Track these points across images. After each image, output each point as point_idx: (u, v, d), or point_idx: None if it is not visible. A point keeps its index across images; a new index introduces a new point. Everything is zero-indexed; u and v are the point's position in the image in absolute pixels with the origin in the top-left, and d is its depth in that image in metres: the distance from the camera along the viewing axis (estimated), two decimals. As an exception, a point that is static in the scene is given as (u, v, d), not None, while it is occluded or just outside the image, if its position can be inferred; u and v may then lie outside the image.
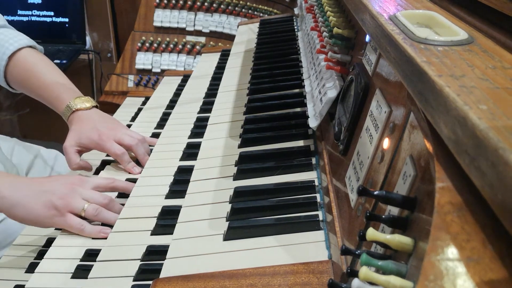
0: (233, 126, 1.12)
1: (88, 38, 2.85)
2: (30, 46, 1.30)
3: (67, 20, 2.81)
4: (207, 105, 1.34)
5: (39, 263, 0.88)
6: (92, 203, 0.96)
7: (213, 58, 1.77)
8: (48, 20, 2.81)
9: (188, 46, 2.46)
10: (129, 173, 1.14)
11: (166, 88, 1.66)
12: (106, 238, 0.89)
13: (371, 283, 0.40)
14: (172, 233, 0.79)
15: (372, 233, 0.44)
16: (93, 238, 0.93)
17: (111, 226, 0.93)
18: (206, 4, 2.42)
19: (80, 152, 1.17)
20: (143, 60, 2.51)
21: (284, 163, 0.91)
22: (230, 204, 0.82)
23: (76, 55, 2.75)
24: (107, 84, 2.55)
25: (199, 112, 1.33)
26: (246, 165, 0.93)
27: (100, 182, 1.02)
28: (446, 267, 0.32)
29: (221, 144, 1.05)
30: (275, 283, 0.64)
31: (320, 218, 0.76)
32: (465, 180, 0.38)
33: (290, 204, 0.80)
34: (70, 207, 0.94)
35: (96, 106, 1.22)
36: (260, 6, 2.31)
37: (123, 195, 1.04)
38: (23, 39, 1.29)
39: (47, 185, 0.97)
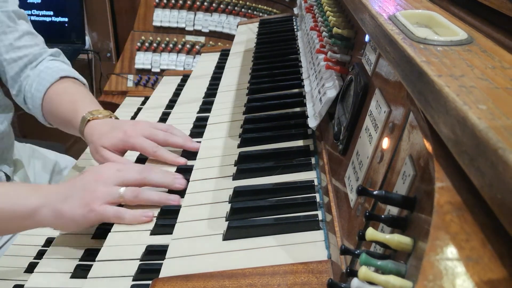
0: (232, 126, 1.12)
1: (87, 38, 2.85)
2: (63, 77, 1.27)
3: (66, 19, 2.81)
4: (206, 105, 1.34)
5: (38, 263, 0.88)
6: (129, 187, 0.88)
7: (212, 58, 1.77)
8: (47, 20, 2.81)
9: (188, 45, 2.46)
10: (175, 165, 1.04)
11: (165, 88, 1.66)
12: (150, 221, 0.86)
13: (371, 283, 0.40)
14: (171, 233, 0.79)
15: (371, 233, 0.44)
16: (93, 238, 0.93)
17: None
18: (205, 3, 2.42)
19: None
20: (143, 60, 2.51)
21: (284, 163, 0.91)
22: (230, 204, 0.82)
23: (76, 55, 2.75)
24: (106, 84, 2.55)
25: (198, 112, 1.33)
26: (245, 165, 0.93)
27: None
28: (446, 267, 0.32)
29: (220, 144, 1.05)
30: (274, 283, 0.64)
31: (320, 218, 0.76)
32: (464, 180, 0.38)
33: (290, 204, 0.80)
34: (104, 197, 0.87)
35: (113, 117, 1.15)
36: (259, 6, 2.31)
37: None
38: (52, 74, 1.27)
39: (77, 183, 0.91)
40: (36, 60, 1.30)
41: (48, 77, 1.25)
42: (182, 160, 1.04)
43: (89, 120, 1.12)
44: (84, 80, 1.33)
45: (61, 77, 1.26)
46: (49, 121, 1.30)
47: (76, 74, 1.31)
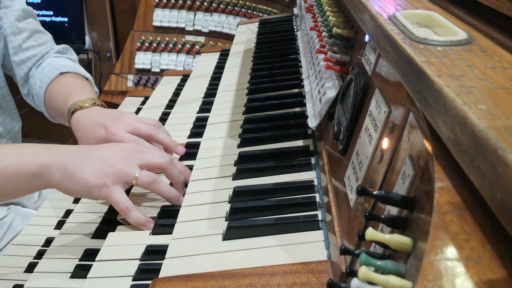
0: (232, 126, 1.12)
1: (87, 38, 2.85)
2: (63, 73, 1.26)
3: (66, 19, 2.81)
4: (206, 105, 1.34)
5: (38, 262, 0.88)
6: (145, 171, 0.87)
7: (212, 58, 1.77)
8: (47, 20, 2.81)
9: (188, 45, 2.46)
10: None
11: (165, 88, 1.66)
12: (150, 229, 0.85)
13: (370, 283, 0.40)
14: (171, 233, 0.79)
15: (371, 233, 0.44)
16: (93, 238, 0.93)
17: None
18: (205, 3, 2.42)
19: None
20: (143, 59, 2.51)
21: (283, 163, 0.91)
22: (229, 204, 0.82)
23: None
24: (106, 84, 2.55)
25: (198, 112, 1.33)
26: (245, 165, 0.93)
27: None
28: (445, 267, 0.32)
29: (220, 144, 1.05)
30: (274, 283, 0.64)
31: (319, 218, 0.76)
32: (464, 180, 0.38)
33: (289, 204, 0.80)
34: (120, 175, 0.85)
35: (99, 104, 1.12)
36: (259, 6, 2.31)
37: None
38: (53, 70, 1.26)
39: (98, 152, 0.89)
40: (42, 59, 1.30)
41: (49, 73, 1.25)
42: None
43: (73, 112, 1.09)
44: (88, 75, 1.31)
45: (61, 73, 1.25)
46: (52, 117, 1.30)
47: (78, 69, 1.29)
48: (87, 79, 1.30)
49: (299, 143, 0.99)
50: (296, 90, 1.20)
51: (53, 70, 1.25)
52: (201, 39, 2.47)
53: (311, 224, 0.75)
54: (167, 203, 0.93)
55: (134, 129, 1.02)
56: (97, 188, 0.85)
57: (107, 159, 0.87)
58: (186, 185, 0.93)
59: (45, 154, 0.87)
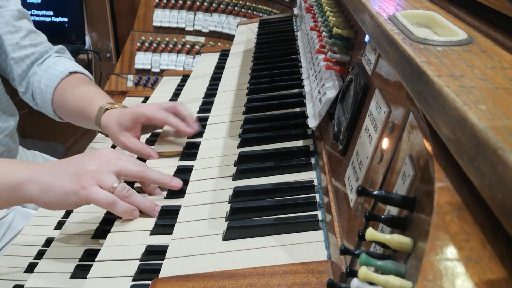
0: (232, 126, 1.12)
1: (87, 38, 2.84)
2: (72, 72, 1.30)
3: (66, 20, 2.81)
4: (206, 105, 1.34)
5: (38, 263, 0.88)
6: (123, 184, 0.87)
7: (212, 58, 1.77)
8: (47, 20, 2.81)
9: (188, 46, 2.46)
10: (185, 134, 1.13)
11: (165, 88, 1.66)
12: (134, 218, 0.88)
13: (370, 283, 0.40)
14: (171, 233, 0.79)
15: (371, 233, 0.44)
16: (93, 238, 0.93)
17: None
18: (205, 4, 2.41)
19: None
20: (143, 60, 2.51)
21: (283, 163, 0.91)
22: (229, 204, 0.82)
23: (75, 55, 2.75)
24: (106, 84, 2.55)
25: (198, 112, 1.33)
26: (245, 165, 0.93)
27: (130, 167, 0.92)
28: (445, 267, 0.32)
29: (220, 144, 1.05)
30: (274, 283, 0.64)
31: (319, 218, 0.76)
32: (464, 180, 0.38)
33: (289, 204, 0.80)
34: (97, 179, 0.85)
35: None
36: (259, 6, 2.31)
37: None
38: (62, 70, 1.30)
39: (74, 160, 0.90)
40: (42, 58, 1.33)
41: (58, 72, 1.28)
42: (192, 130, 1.12)
43: (107, 109, 1.16)
44: (91, 76, 1.37)
45: (71, 73, 1.29)
46: (59, 115, 1.33)
47: (83, 69, 1.35)
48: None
49: (299, 143, 0.99)
50: (296, 90, 1.20)
51: (61, 69, 1.29)
52: (201, 39, 2.46)
53: (311, 224, 0.75)
54: (167, 204, 0.93)
55: (160, 107, 1.12)
56: (75, 193, 0.84)
57: (81, 164, 0.87)
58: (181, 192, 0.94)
59: (22, 169, 0.88)
